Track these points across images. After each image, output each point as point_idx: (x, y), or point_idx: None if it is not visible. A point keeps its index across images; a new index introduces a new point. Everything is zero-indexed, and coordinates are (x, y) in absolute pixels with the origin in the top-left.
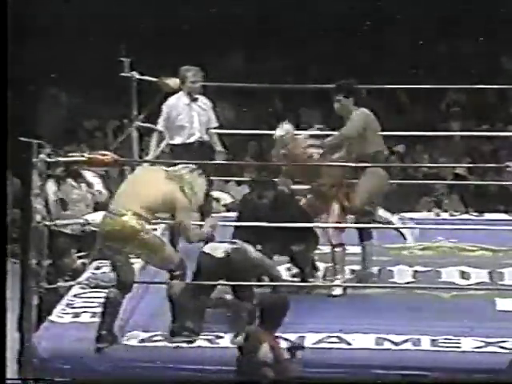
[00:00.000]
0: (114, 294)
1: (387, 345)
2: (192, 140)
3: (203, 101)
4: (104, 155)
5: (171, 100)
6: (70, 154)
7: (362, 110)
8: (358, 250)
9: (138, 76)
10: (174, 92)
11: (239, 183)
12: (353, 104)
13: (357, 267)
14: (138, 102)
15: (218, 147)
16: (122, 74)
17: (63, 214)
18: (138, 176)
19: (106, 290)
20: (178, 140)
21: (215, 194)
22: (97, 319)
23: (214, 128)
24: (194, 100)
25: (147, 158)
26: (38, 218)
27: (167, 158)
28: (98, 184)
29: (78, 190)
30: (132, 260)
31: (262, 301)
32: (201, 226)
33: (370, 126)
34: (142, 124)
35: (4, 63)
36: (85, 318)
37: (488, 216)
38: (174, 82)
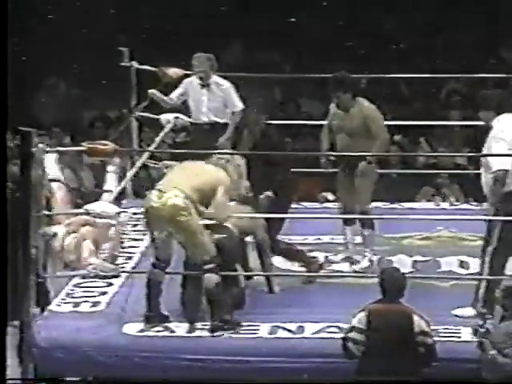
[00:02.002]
0: (154, 275)
1: None
2: (199, 122)
3: (221, 86)
4: (104, 145)
5: (188, 80)
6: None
7: (360, 102)
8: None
9: (137, 65)
10: (175, 82)
11: None
12: (351, 97)
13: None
14: (137, 92)
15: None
16: (122, 64)
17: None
18: (185, 165)
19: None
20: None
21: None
22: (96, 309)
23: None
24: (206, 86)
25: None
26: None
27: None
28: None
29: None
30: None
31: None
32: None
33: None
34: (141, 114)
35: (4, 56)
36: (84, 307)
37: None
38: (173, 71)
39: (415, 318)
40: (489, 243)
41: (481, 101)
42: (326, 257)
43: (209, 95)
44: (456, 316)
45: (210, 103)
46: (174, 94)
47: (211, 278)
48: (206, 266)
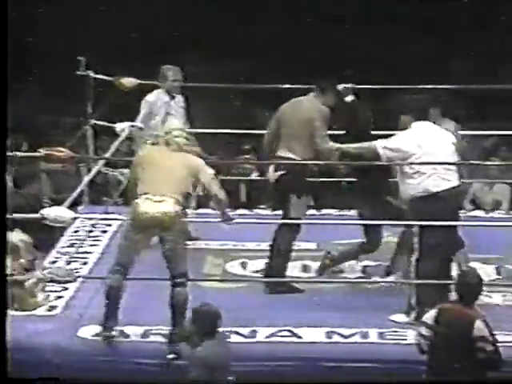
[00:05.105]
0: (113, 280)
1: (336, 338)
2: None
3: (180, 99)
4: (60, 152)
5: (151, 97)
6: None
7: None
8: (312, 246)
9: (93, 75)
10: (129, 91)
11: None
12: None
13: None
14: (93, 100)
15: None
16: (78, 73)
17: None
18: (155, 160)
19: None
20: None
21: None
22: (53, 313)
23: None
24: (173, 98)
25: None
26: None
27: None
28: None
29: None
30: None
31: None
32: None
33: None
34: (97, 122)
35: (4, 56)
36: (41, 311)
37: None
38: (127, 81)
39: (477, 322)
40: (401, 248)
41: (401, 106)
42: None
43: (176, 107)
44: (392, 321)
45: (178, 115)
46: (140, 120)
47: (183, 292)
48: (179, 280)
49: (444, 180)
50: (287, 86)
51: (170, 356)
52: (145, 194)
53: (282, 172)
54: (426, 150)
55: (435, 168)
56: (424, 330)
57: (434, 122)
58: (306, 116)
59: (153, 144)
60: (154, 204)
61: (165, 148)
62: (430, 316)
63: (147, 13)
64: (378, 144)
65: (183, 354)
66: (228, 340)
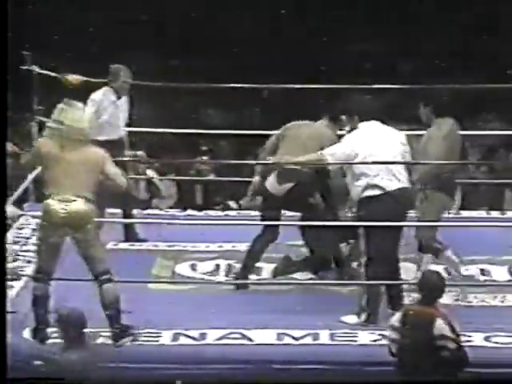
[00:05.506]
0: (36, 289)
1: (287, 340)
2: (116, 137)
3: (126, 99)
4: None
5: (97, 96)
6: None
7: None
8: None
9: (38, 70)
10: (75, 88)
11: None
12: None
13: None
14: (38, 96)
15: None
16: (23, 68)
17: None
18: (60, 156)
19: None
20: (101, 136)
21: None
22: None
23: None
24: (119, 98)
25: None
26: None
27: None
28: None
29: None
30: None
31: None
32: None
33: None
34: (42, 118)
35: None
36: None
37: None
38: (72, 77)
39: (438, 321)
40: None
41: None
42: (229, 264)
43: (122, 107)
44: (343, 322)
45: (124, 115)
46: (88, 116)
47: (110, 289)
48: (104, 277)
49: (390, 181)
50: (237, 85)
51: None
52: (55, 194)
53: (292, 184)
54: (369, 152)
55: (380, 169)
56: (392, 333)
57: (427, 122)
58: (317, 132)
59: (54, 135)
60: (64, 204)
61: (67, 141)
62: (396, 318)
63: (95, 10)
64: (326, 152)
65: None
66: (94, 344)
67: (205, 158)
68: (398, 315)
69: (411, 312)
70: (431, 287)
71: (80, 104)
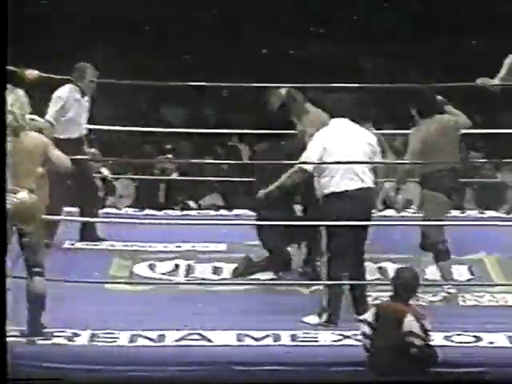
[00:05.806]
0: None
1: (248, 341)
2: (78, 135)
3: (87, 98)
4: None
5: (62, 92)
6: None
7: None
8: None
9: None
10: (32, 84)
11: None
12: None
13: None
14: None
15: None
16: None
17: None
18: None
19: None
20: (64, 134)
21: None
22: None
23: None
24: (83, 96)
25: None
26: None
27: None
28: None
29: None
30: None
31: None
32: None
33: None
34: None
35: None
36: None
37: None
38: (30, 73)
39: (408, 318)
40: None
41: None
42: (188, 265)
43: (85, 106)
44: (304, 323)
45: (86, 113)
46: (52, 116)
47: (40, 283)
48: (37, 269)
49: (350, 180)
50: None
51: None
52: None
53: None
54: (332, 150)
55: (341, 168)
56: (365, 329)
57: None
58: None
59: None
60: (13, 196)
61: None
62: (369, 314)
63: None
64: (303, 158)
65: None
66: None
67: (169, 156)
68: (371, 310)
69: (383, 308)
70: (404, 284)
71: (20, 90)
